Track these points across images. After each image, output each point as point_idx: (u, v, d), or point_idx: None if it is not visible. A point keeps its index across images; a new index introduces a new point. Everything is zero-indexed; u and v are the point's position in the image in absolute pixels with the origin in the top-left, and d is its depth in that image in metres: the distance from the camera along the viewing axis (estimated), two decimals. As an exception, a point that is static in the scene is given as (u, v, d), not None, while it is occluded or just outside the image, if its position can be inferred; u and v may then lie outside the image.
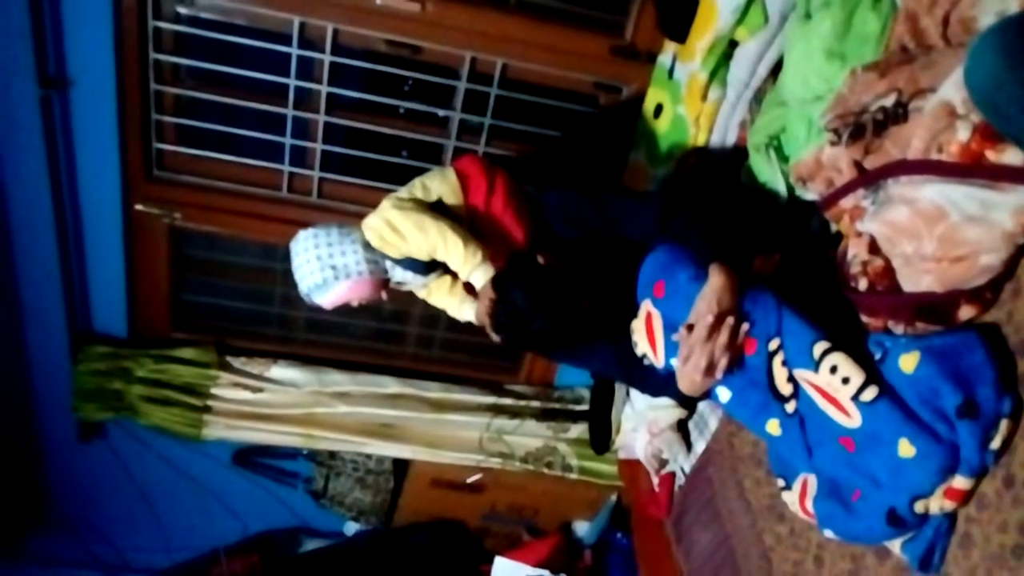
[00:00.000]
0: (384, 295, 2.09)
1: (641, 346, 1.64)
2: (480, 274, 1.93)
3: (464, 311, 2.12)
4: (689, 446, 2.37)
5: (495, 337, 1.88)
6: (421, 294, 2.19)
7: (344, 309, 2.09)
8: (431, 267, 2.03)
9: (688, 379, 1.48)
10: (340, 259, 1.98)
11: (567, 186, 2.08)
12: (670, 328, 1.54)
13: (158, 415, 2.89)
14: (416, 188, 2.03)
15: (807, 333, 1.36)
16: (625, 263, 1.67)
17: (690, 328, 1.46)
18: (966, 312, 1.23)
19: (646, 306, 1.60)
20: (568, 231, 1.99)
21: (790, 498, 1.53)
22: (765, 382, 1.42)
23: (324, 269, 1.98)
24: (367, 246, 2.00)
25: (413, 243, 1.94)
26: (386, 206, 1.98)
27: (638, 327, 1.63)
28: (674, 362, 1.54)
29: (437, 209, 1.99)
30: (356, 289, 2.01)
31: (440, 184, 2.04)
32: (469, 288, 2.07)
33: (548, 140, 2.75)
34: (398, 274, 2.06)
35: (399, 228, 1.93)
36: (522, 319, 1.73)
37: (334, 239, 2.01)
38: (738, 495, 1.97)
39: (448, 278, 2.14)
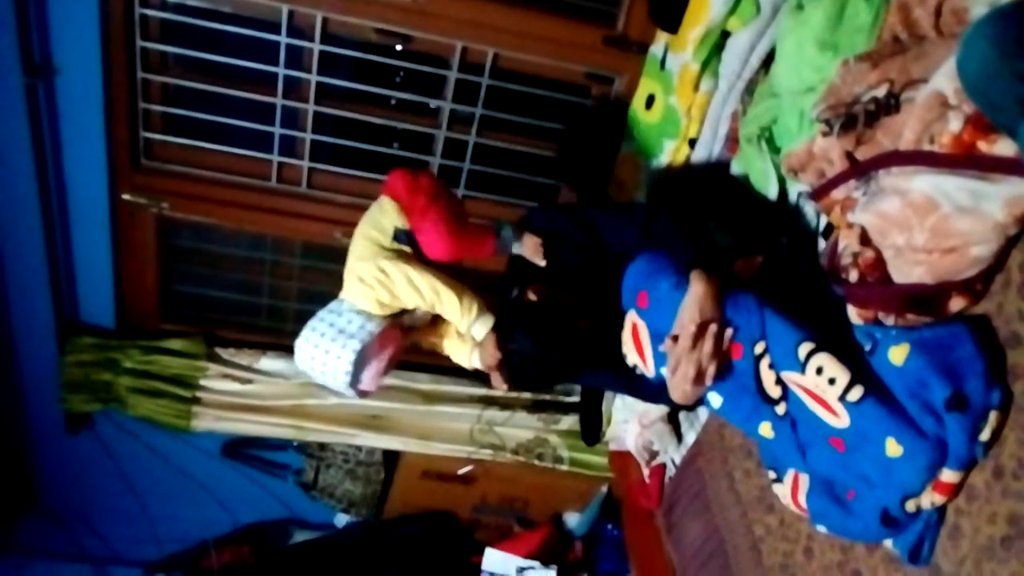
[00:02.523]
0: (408, 340, 2.03)
1: (631, 357, 1.63)
2: (480, 327, 1.90)
3: (475, 360, 2.06)
4: (679, 437, 2.37)
5: (503, 387, 1.88)
6: (432, 342, 2.13)
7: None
8: None
9: (679, 389, 1.48)
10: (350, 327, 1.87)
11: (550, 205, 2.07)
12: (656, 338, 1.54)
13: (146, 406, 2.87)
14: (373, 233, 1.93)
15: (791, 335, 1.36)
16: (614, 276, 1.66)
17: (675, 339, 1.45)
18: (957, 303, 1.23)
19: (631, 317, 1.59)
20: (554, 249, 1.96)
21: (781, 491, 1.53)
22: (754, 386, 1.42)
23: (345, 346, 1.84)
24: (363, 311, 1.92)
25: (408, 300, 1.90)
26: (365, 273, 1.89)
27: (626, 338, 1.62)
28: (664, 371, 1.53)
29: (403, 240, 1.93)
30: (385, 341, 1.90)
31: (384, 216, 1.95)
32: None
33: (540, 131, 2.73)
34: (406, 320, 2.01)
35: (392, 289, 1.88)
36: (535, 363, 1.72)
37: (329, 318, 1.89)
38: (728, 486, 1.97)
39: (453, 328, 2.09)
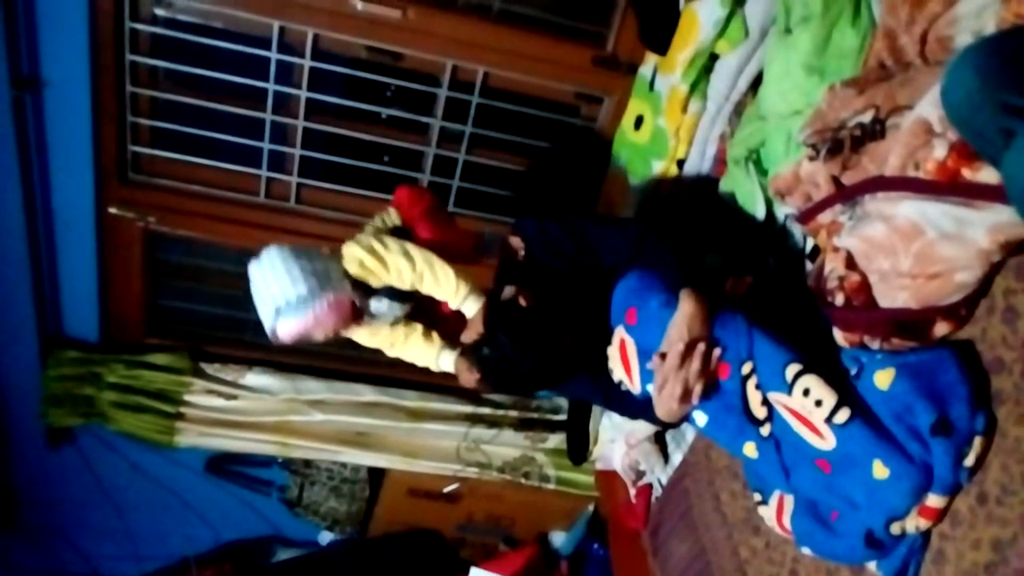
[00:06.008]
0: (353, 330, 1.99)
1: (617, 373, 1.63)
2: (472, 302, 1.89)
3: (443, 360, 2.03)
4: (666, 457, 2.36)
5: (472, 382, 1.84)
6: (383, 343, 2.07)
7: None
8: (408, 296, 1.96)
9: (665, 407, 1.48)
10: (321, 270, 1.82)
11: (543, 215, 2.06)
12: (644, 355, 1.54)
13: (130, 421, 2.84)
14: (376, 224, 2.02)
15: (779, 355, 1.36)
16: (602, 290, 1.66)
17: (663, 356, 1.45)
18: (941, 329, 1.23)
19: (619, 333, 1.59)
20: (546, 261, 1.96)
21: (767, 513, 1.53)
22: (740, 406, 1.42)
23: (308, 278, 1.77)
24: (344, 272, 1.88)
25: (396, 272, 1.87)
26: (363, 237, 1.91)
27: (613, 354, 1.62)
28: (650, 388, 1.53)
29: (399, 236, 1.97)
30: (336, 309, 1.82)
31: (387, 218, 2.05)
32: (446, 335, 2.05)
33: (529, 150, 2.74)
34: (373, 305, 1.95)
35: (383, 256, 1.86)
36: (511, 364, 1.70)
37: (311, 254, 1.85)
38: (714, 507, 1.97)
39: (419, 327, 2.05)
